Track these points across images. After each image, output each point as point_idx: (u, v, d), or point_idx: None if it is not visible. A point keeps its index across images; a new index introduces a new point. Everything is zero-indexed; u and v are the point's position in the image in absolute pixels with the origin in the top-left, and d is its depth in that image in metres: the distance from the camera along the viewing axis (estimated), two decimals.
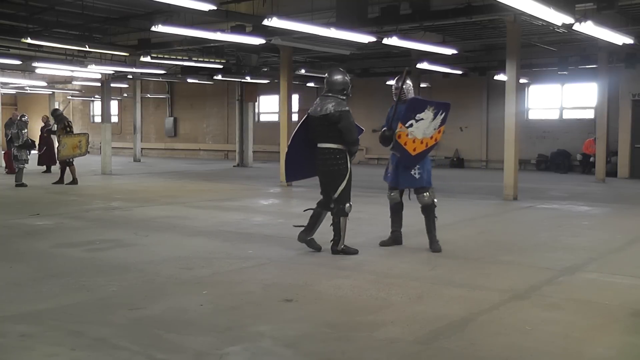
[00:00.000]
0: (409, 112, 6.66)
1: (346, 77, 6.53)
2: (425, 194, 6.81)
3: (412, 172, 6.75)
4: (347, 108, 6.36)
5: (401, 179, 6.81)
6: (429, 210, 6.87)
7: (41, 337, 3.88)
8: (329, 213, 6.59)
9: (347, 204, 6.46)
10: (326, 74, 6.65)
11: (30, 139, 13.89)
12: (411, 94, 6.83)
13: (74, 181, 14.15)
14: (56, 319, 4.27)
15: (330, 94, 6.46)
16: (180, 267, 5.92)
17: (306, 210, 6.80)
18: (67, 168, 14.35)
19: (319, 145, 6.46)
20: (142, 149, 26.63)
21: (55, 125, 14.98)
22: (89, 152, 15.33)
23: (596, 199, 12.22)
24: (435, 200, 6.89)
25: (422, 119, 6.60)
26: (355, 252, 6.52)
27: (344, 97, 6.46)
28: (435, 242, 6.85)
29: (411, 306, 4.64)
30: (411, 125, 6.58)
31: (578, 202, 11.54)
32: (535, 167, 20.52)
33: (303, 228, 6.67)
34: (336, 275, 5.59)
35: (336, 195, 6.42)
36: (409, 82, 6.89)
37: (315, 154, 6.51)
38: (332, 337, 3.94)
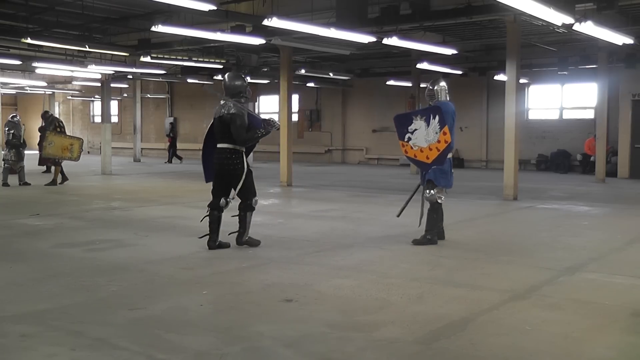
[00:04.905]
0: (401, 129, 7.16)
1: (243, 82, 6.79)
2: (429, 191, 7.04)
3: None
4: (234, 111, 6.52)
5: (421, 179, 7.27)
6: (430, 206, 7.07)
7: (41, 337, 3.88)
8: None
9: (254, 199, 6.77)
10: (225, 78, 6.84)
11: (17, 139, 13.78)
12: (441, 96, 7.12)
13: (53, 182, 14.02)
14: (56, 319, 4.27)
15: (226, 97, 6.70)
16: (180, 267, 5.92)
17: (203, 219, 6.85)
18: (55, 167, 14.28)
19: (218, 145, 6.69)
20: (142, 149, 26.62)
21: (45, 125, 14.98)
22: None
23: (596, 199, 12.22)
24: (440, 199, 7.07)
25: (415, 129, 7.01)
26: (257, 243, 6.85)
27: (242, 100, 6.71)
28: (421, 236, 7.04)
29: (411, 306, 4.64)
30: (409, 139, 7.07)
31: (578, 202, 11.54)
32: (535, 167, 20.52)
33: (208, 237, 6.74)
34: (336, 275, 5.60)
35: (234, 194, 6.73)
36: (442, 83, 7.19)
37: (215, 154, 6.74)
38: (332, 337, 3.94)
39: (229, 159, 6.59)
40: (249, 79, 6.93)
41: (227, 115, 6.53)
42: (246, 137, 6.58)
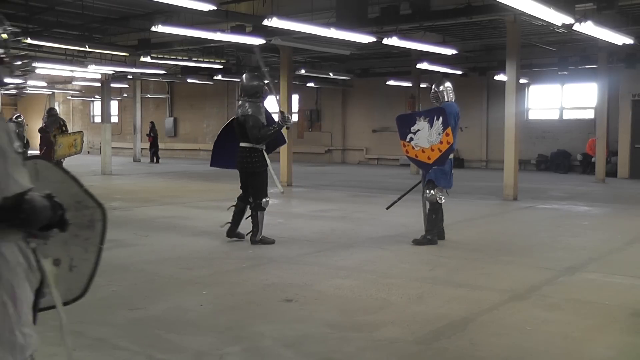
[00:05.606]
0: (403, 129, 7.22)
1: (260, 82, 7.03)
2: (430, 191, 7.07)
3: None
4: (250, 112, 6.80)
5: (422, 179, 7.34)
6: (430, 207, 7.08)
7: (41, 337, 3.87)
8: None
9: (264, 199, 6.98)
10: (242, 79, 7.07)
11: (20, 139, 13.80)
12: (446, 97, 7.14)
13: None
14: (56, 319, 4.25)
15: (244, 98, 6.96)
16: (180, 267, 5.92)
17: (229, 208, 7.24)
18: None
19: (240, 144, 6.94)
20: (142, 149, 26.60)
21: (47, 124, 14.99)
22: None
23: (596, 199, 12.22)
24: (440, 200, 7.08)
25: (418, 129, 7.04)
26: (272, 242, 7.00)
27: (258, 100, 6.97)
28: (421, 236, 7.05)
29: (411, 306, 4.64)
30: (411, 139, 7.10)
31: (578, 202, 11.54)
32: (535, 167, 20.51)
33: (230, 225, 7.07)
34: (336, 275, 5.60)
35: (280, 187, 7.07)
36: (448, 84, 7.23)
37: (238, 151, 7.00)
38: (332, 337, 3.94)
39: (248, 157, 6.88)
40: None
41: (242, 117, 6.82)
42: (259, 135, 6.81)
